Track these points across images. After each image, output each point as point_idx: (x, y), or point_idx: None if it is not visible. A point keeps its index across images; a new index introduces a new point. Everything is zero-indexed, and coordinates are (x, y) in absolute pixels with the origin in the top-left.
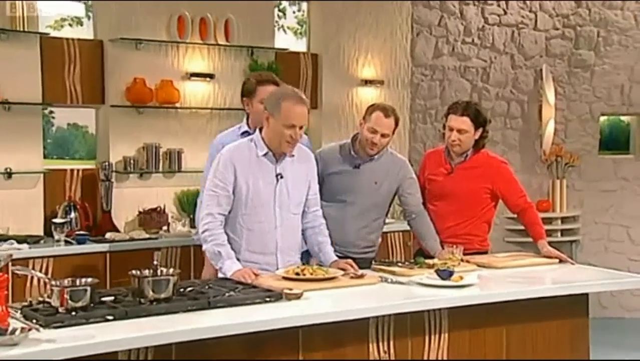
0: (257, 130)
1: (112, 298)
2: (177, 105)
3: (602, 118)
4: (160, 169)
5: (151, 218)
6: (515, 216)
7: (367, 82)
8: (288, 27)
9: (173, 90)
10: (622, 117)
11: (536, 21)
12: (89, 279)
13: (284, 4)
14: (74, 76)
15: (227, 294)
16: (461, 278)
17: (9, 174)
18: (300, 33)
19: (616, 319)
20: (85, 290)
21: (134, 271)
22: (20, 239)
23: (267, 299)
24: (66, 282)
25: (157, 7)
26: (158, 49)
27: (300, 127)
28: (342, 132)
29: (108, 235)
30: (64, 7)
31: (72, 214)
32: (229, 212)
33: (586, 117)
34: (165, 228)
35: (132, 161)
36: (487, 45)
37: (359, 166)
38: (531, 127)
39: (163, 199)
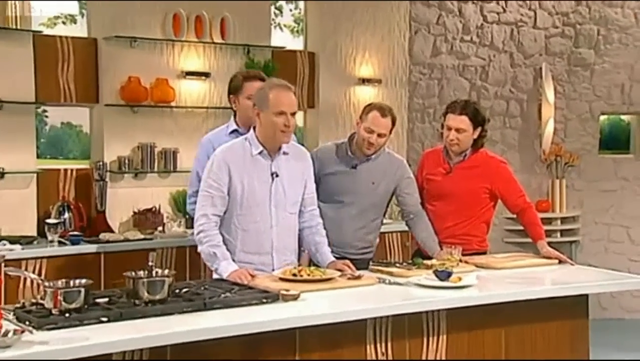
0: (252, 129)
1: (106, 299)
2: (173, 104)
3: (602, 117)
4: (156, 169)
5: (146, 219)
6: (515, 216)
7: (364, 81)
8: (285, 25)
9: (168, 89)
10: (622, 117)
11: (535, 19)
12: (83, 281)
13: (281, 2)
14: (68, 74)
15: (223, 295)
16: (460, 278)
17: (1, 174)
18: (297, 31)
19: (616, 320)
20: (79, 291)
21: (128, 273)
22: (13, 240)
23: (264, 300)
24: (60, 283)
25: (152, 5)
26: (153, 47)
27: (292, 114)
28: (339, 131)
29: (102, 236)
30: (57, 5)
31: (66, 215)
32: (224, 213)
33: (586, 117)
34: (160, 228)
35: (126, 161)
36: (486, 43)
37: (356, 166)
38: (530, 127)
39: (158, 199)
